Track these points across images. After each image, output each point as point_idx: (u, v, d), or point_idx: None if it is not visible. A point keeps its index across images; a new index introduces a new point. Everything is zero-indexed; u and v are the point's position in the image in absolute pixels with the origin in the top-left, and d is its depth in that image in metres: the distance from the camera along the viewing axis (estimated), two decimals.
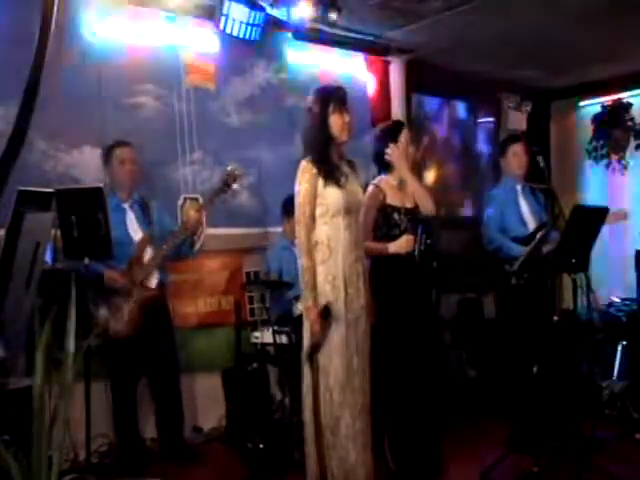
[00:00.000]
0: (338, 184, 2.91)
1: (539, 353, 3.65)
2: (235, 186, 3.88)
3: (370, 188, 3.44)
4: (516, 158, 4.24)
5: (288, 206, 4.38)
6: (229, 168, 3.85)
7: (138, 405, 3.91)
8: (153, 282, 3.84)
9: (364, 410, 2.93)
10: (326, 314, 2.80)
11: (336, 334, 2.85)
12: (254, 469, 3.70)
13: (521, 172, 4.26)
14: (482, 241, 4.24)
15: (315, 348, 2.82)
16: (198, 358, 4.35)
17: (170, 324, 4.07)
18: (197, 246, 4.01)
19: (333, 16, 4.56)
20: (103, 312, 3.67)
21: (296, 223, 2.94)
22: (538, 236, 3.72)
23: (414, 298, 3.40)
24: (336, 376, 2.84)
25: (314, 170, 2.90)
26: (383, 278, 3.32)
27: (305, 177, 2.90)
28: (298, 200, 2.91)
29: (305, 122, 3.03)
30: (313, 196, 2.90)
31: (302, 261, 2.87)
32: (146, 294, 3.76)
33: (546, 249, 3.77)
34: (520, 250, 3.89)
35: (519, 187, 4.27)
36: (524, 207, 4.21)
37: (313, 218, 2.91)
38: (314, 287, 2.85)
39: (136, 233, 3.88)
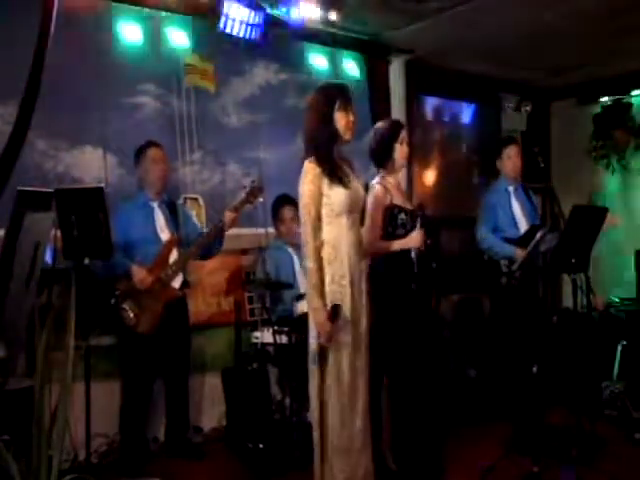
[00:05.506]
0: (343, 183, 2.87)
1: (538, 353, 3.65)
2: (261, 199, 3.92)
3: (377, 187, 3.39)
4: (510, 161, 4.28)
5: (276, 208, 4.40)
6: (254, 182, 3.88)
7: (150, 405, 3.93)
8: (177, 283, 3.87)
9: (365, 410, 2.92)
10: (335, 315, 2.77)
11: (343, 333, 2.83)
12: (254, 469, 3.70)
13: (515, 174, 4.30)
14: (476, 239, 4.26)
15: (324, 349, 2.80)
16: (198, 358, 4.34)
17: (188, 325, 4.09)
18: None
19: (333, 16, 4.57)
20: (129, 308, 3.69)
21: (302, 225, 2.87)
22: (537, 237, 3.72)
23: (416, 298, 3.39)
24: (343, 376, 2.83)
25: (317, 170, 2.84)
26: (392, 277, 3.32)
27: (309, 178, 2.84)
28: (303, 201, 2.84)
29: (308, 119, 2.95)
30: (318, 196, 2.84)
31: (308, 263, 2.81)
32: (171, 294, 3.79)
33: (542, 249, 3.79)
34: (511, 250, 3.97)
35: (511, 188, 4.30)
36: (516, 208, 4.25)
37: (319, 219, 2.85)
38: (322, 289, 2.81)
39: (164, 233, 3.91)
